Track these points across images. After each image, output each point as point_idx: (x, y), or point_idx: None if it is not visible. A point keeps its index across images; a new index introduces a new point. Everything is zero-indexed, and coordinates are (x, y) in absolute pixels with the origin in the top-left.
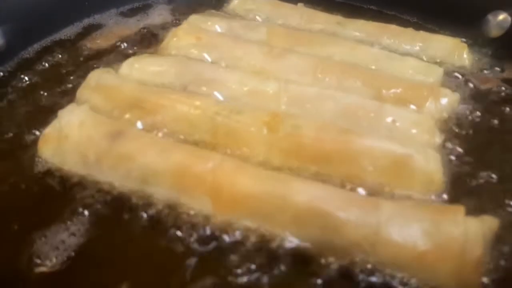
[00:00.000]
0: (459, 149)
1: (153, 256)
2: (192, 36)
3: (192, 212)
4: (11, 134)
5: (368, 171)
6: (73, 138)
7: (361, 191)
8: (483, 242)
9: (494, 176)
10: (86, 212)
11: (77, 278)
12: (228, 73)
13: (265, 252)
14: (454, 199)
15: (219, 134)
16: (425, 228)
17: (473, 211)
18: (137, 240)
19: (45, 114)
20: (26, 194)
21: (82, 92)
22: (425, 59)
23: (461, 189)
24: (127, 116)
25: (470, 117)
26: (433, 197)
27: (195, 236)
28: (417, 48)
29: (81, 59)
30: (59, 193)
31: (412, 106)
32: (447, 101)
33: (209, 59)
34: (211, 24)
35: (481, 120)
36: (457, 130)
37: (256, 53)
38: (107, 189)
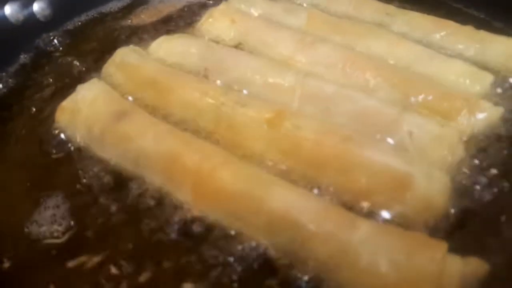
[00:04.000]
0: (484, 174)
1: (129, 231)
2: (227, 18)
3: (174, 200)
4: (40, 101)
5: (362, 185)
6: (84, 113)
7: (351, 205)
8: (460, 285)
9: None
10: (83, 181)
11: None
12: (249, 60)
13: (232, 251)
14: (455, 230)
15: (221, 124)
16: (397, 258)
17: (468, 248)
18: (119, 215)
19: (74, 85)
20: (36, 157)
21: (108, 68)
22: (479, 63)
23: (470, 221)
24: (140, 96)
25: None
26: (431, 223)
27: (170, 223)
28: (472, 49)
29: (121, 34)
30: (64, 161)
31: (441, 118)
32: (486, 116)
33: (239, 44)
34: (251, 6)
35: None
36: (491, 152)
37: (287, 40)
38: (105, 164)
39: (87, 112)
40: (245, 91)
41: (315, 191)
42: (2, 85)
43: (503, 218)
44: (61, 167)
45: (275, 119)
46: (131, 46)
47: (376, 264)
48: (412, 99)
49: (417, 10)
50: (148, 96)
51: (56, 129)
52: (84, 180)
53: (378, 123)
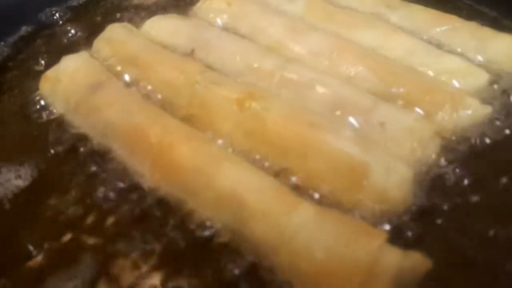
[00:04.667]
0: (457, 174)
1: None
2: (224, 1)
3: (133, 170)
4: (32, 70)
5: (320, 170)
6: (64, 83)
7: (307, 189)
8: (393, 278)
9: None
10: (51, 150)
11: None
12: (235, 43)
13: (180, 225)
14: (411, 225)
15: (194, 102)
16: (332, 245)
17: (419, 245)
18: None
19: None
20: (17, 121)
21: (98, 42)
22: (478, 60)
23: (428, 218)
24: (123, 71)
25: (494, 140)
26: (386, 214)
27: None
28: (473, 46)
29: (123, 12)
30: (41, 127)
31: (420, 111)
32: (471, 113)
33: (232, 27)
34: None
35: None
36: (470, 151)
37: (278, 26)
38: (77, 133)
39: (66, 82)
40: (226, 72)
41: (276, 173)
42: None
43: (464, 220)
44: (37, 133)
45: (245, 100)
46: (124, 23)
47: (311, 248)
48: (394, 90)
49: (427, 5)
50: (130, 71)
51: (38, 96)
52: (52, 150)
53: (351, 112)
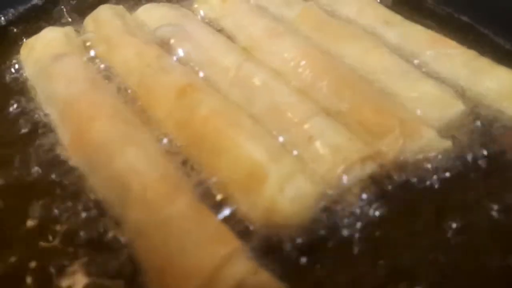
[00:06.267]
0: (366, 204)
1: None
2: None
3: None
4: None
5: (225, 170)
6: (36, 51)
7: (209, 187)
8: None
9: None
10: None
11: None
12: (208, 36)
13: (75, 198)
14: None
15: (141, 85)
16: (187, 242)
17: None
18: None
19: None
20: None
21: (88, 20)
22: (466, 92)
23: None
24: (90, 47)
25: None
26: (268, 227)
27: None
28: (463, 75)
29: None
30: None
31: (367, 134)
32: (423, 144)
33: (218, 23)
34: None
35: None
36: (399, 187)
37: (258, 27)
38: (32, 99)
39: (39, 51)
40: (189, 62)
41: (188, 165)
42: (4, 18)
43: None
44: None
45: (183, 91)
46: (118, 6)
47: (168, 241)
48: (344, 107)
49: (439, 27)
50: (99, 49)
51: (15, 59)
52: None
53: (285, 120)
